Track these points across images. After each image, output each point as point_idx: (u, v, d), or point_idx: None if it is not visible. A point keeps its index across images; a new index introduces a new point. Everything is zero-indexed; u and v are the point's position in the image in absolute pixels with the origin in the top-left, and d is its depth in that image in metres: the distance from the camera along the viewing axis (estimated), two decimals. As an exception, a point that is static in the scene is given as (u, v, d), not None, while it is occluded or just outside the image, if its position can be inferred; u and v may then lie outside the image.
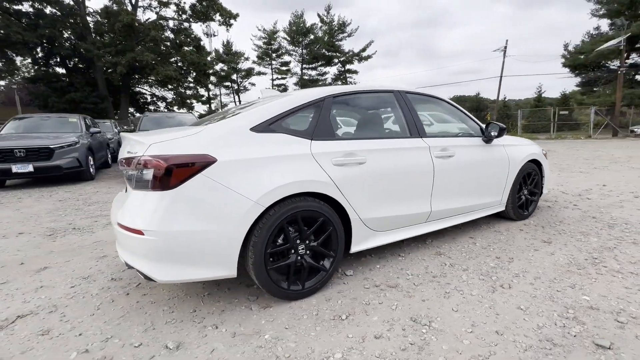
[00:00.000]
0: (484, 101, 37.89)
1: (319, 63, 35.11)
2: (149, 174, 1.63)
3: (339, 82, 35.16)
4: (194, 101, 31.68)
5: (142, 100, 28.65)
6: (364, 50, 32.81)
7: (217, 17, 24.72)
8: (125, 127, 17.35)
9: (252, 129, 1.88)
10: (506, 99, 35.82)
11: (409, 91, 2.63)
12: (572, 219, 3.43)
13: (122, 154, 1.95)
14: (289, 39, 34.33)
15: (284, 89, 37.29)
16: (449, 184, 2.59)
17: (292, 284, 1.93)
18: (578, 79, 28.63)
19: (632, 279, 2.12)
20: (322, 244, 2.02)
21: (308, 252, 1.97)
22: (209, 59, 31.00)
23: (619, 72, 19.10)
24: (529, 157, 3.28)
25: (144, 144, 1.69)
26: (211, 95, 38.63)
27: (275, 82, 37.38)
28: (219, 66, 35.54)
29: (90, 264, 2.64)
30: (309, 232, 1.95)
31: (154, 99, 28.84)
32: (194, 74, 26.24)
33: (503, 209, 3.20)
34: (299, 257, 1.94)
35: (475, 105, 35.21)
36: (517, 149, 3.20)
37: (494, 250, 2.64)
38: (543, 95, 32.76)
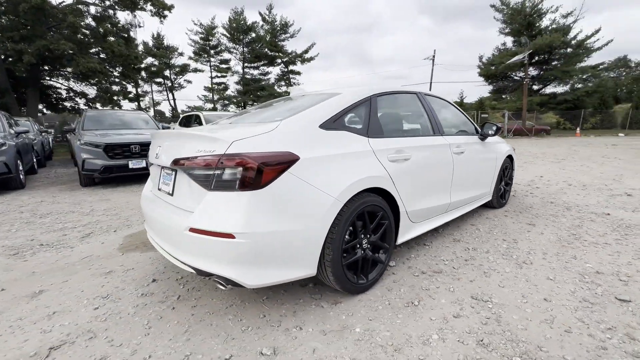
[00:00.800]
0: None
1: (262, 62, 34.48)
2: (236, 173, 1.52)
3: (283, 83, 35.02)
4: (120, 98, 28.39)
5: (55, 96, 24.62)
6: (306, 52, 33.21)
7: (149, 6, 22.56)
8: (41, 126, 14.81)
9: (320, 126, 1.87)
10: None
11: (426, 93, 2.87)
12: (536, 205, 4.07)
13: (178, 152, 1.77)
14: (228, 36, 32.99)
15: (224, 87, 35.69)
16: (462, 177, 2.89)
17: (359, 278, 1.98)
18: (490, 87, 33.24)
19: (609, 247, 2.65)
20: (380, 238, 2.10)
21: (369, 245, 2.04)
22: (138, 51, 28.15)
23: (524, 82, 22.73)
24: (507, 152, 3.81)
25: (223, 141, 1.56)
26: (140, 92, 35.11)
27: (215, 80, 35.60)
28: (148, 60, 32.46)
29: (97, 281, 2.29)
30: (372, 227, 2.02)
31: (71, 94, 25.01)
32: (121, 67, 23.51)
33: (490, 198, 3.66)
34: (363, 251, 1.99)
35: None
36: (500, 146, 3.70)
37: (498, 234, 3.02)
38: (465, 100, 37.30)
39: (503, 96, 32.44)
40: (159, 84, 36.16)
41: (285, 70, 34.81)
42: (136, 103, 34.27)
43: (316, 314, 1.82)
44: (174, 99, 37.34)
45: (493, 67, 29.80)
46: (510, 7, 28.39)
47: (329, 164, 1.78)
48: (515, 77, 30.84)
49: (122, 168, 5.87)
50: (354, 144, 1.97)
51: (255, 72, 35.40)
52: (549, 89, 30.48)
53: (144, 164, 6.02)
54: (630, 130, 25.35)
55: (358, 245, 1.97)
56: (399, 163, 2.18)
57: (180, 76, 36.24)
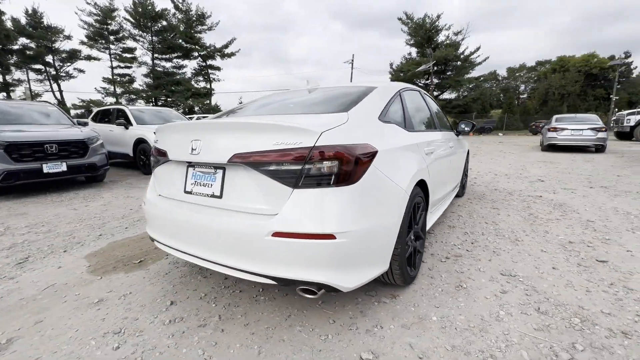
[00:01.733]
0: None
1: (175, 55, 31.36)
2: (333, 166, 1.38)
3: (201, 78, 32.56)
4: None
5: None
6: (226, 46, 31.57)
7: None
8: None
9: (379, 119, 1.83)
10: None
11: (424, 91, 3.07)
12: (487, 192, 4.75)
13: (241, 146, 1.49)
14: (133, 21, 29.01)
15: (129, 79, 31.30)
16: (450, 170, 3.18)
17: (411, 269, 2.01)
18: (400, 92, 37.07)
19: (561, 222, 3.28)
20: (420, 228, 2.17)
21: (414, 236, 2.09)
22: (9, 28, 22.62)
23: (430, 88, 26.05)
24: (468, 147, 4.34)
25: (312, 132, 1.39)
26: (12, 80, 28.20)
27: (118, 72, 30.89)
28: (23, 41, 26.32)
29: (90, 314, 1.79)
30: (418, 218, 2.07)
31: None
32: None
33: (459, 189, 4.12)
34: (412, 242, 2.03)
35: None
36: (464, 142, 4.18)
37: (478, 218, 3.43)
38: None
39: (411, 100, 36.50)
40: (38, 71, 29.57)
41: (204, 64, 32.43)
42: (4, 93, 27.38)
43: (386, 311, 1.78)
44: (60, 91, 31.05)
45: (402, 74, 33.38)
46: (414, 21, 32.21)
47: (396, 157, 1.77)
48: (420, 84, 35.14)
49: (34, 173, 4.65)
50: (404, 137, 1.99)
51: (168, 64, 32.04)
52: (446, 95, 35.67)
53: (64, 168, 4.89)
54: (507, 131, 31.54)
55: (411, 236, 2.00)
56: (429, 156, 2.29)
57: (69, 64, 30.35)
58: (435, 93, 34.91)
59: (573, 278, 2.11)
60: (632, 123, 14.77)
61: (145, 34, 29.99)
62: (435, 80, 30.67)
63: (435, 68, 32.15)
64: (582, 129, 10.37)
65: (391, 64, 35.63)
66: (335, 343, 1.53)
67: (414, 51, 34.40)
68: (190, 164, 1.77)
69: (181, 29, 29.58)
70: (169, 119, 7.81)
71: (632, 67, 43.67)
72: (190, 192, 1.75)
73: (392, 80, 34.99)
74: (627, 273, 2.17)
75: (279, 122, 1.49)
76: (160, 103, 29.67)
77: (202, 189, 1.70)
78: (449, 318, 1.70)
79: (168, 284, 2.14)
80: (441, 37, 32.54)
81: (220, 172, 1.63)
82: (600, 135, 10.10)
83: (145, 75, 31.18)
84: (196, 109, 30.10)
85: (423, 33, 31.65)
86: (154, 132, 2.09)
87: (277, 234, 1.38)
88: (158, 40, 30.17)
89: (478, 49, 32.17)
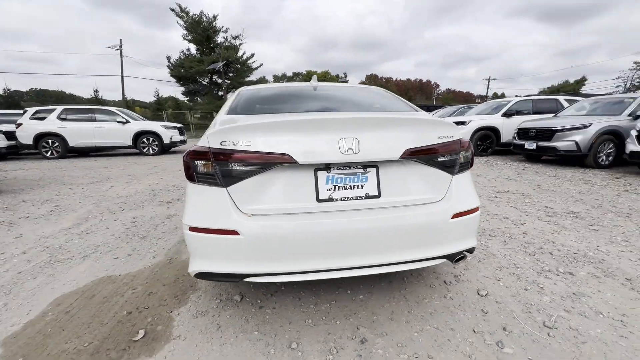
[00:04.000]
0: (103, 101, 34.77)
1: None
2: (468, 155, 1.77)
3: None
4: None
5: None
6: None
7: None
8: None
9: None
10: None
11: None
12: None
13: (411, 142, 1.54)
14: None
15: None
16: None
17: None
18: (183, 88, 34.87)
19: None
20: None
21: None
22: None
23: (223, 88, 26.30)
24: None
25: (456, 128, 1.72)
26: None
27: None
28: None
29: None
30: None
31: None
32: None
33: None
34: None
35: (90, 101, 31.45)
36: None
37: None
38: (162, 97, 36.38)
39: (196, 98, 35.25)
40: None
41: None
42: None
43: (440, 306, 2.34)
44: None
45: (183, 70, 31.46)
46: (190, 16, 30.96)
47: None
48: (204, 82, 34.60)
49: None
50: None
51: None
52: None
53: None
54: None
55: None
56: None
57: None
58: (220, 93, 35.60)
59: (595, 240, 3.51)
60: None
61: None
62: (227, 81, 31.23)
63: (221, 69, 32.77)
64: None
65: (168, 58, 32.63)
66: (428, 338, 1.95)
67: (193, 47, 33.18)
68: (320, 167, 1.54)
69: None
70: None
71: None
72: (329, 199, 1.54)
73: (172, 75, 32.27)
74: (483, 207, 3.83)
75: (440, 119, 1.69)
76: None
77: (350, 192, 1.56)
78: (505, 309, 2.51)
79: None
80: (220, 39, 33.32)
81: (372, 170, 1.59)
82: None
83: None
84: None
85: (202, 31, 31.11)
86: (218, 131, 1.52)
87: (455, 216, 1.63)
88: None
89: (253, 55, 35.58)
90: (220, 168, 1.51)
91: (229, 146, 1.50)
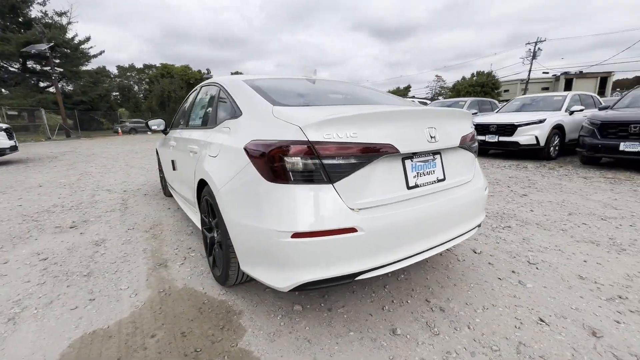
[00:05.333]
0: None
1: None
2: (477, 142, 2.20)
3: None
4: None
5: None
6: None
7: None
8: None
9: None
10: None
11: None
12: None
13: (462, 130, 1.81)
14: None
15: None
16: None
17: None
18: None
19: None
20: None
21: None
22: None
23: (53, 78, 20.07)
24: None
25: (472, 118, 2.11)
26: None
27: None
28: None
29: None
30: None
31: None
32: None
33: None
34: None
35: None
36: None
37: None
38: None
39: (3, 90, 25.72)
40: None
41: None
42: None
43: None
44: None
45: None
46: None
47: None
48: (12, 68, 25.66)
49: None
50: None
51: None
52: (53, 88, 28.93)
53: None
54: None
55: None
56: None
57: None
58: (42, 84, 27.34)
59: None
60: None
61: None
62: (59, 69, 23.94)
63: (34, 51, 24.80)
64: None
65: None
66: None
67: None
68: (407, 156, 1.63)
69: None
70: None
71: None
72: (415, 186, 1.65)
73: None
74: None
75: (468, 112, 2.01)
76: None
77: (427, 177, 1.72)
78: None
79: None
80: (34, 12, 25.40)
81: (437, 156, 1.79)
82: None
83: None
84: None
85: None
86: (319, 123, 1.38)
87: (485, 190, 2.03)
88: None
89: (88, 39, 28.79)
90: (326, 163, 1.38)
91: (334, 139, 1.39)
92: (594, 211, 3.38)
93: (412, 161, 1.65)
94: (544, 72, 38.18)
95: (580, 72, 36.71)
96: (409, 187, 1.61)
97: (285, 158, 1.38)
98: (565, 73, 37.43)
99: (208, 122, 2.43)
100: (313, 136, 1.38)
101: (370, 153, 1.46)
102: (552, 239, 2.71)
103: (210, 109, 2.50)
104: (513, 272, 2.18)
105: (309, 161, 1.38)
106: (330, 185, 1.40)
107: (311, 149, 1.37)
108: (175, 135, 3.26)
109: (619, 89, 34.20)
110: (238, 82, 2.15)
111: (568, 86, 36.45)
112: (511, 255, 2.43)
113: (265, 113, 1.67)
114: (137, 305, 1.88)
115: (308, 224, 1.36)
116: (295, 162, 1.38)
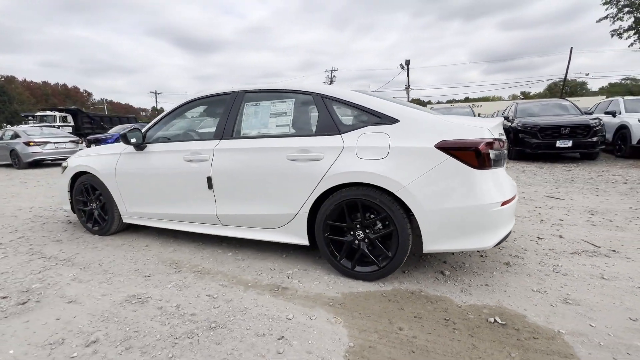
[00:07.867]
0: None
1: None
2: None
3: None
4: None
5: None
6: None
7: None
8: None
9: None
10: None
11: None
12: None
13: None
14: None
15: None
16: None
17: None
18: None
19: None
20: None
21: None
22: None
23: None
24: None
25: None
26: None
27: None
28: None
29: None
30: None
31: None
32: None
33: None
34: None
35: None
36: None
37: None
38: None
39: None
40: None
41: None
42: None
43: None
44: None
45: None
46: None
47: None
48: None
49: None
50: None
51: None
52: None
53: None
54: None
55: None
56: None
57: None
58: None
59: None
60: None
61: None
62: None
63: None
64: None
65: None
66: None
67: None
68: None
69: None
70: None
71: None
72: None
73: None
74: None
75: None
76: None
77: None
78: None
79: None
80: None
81: None
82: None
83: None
84: None
85: None
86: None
87: None
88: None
89: None
90: (501, 152, 1.99)
91: (500, 137, 2.07)
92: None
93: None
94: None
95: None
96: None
97: (491, 150, 1.86)
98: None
99: (323, 129, 2.33)
100: (495, 135, 1.96)
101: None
102: None
103: (322, 117, 2.41)
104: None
105: (498, 151, 1.93)
106: (504, 167, 2.06)
107: (498, 143, 1.94)
108: (217, 147, 2.68)
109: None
110: (359, 94, 2.38)
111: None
112: (535, 236, 3.07)
113: (432, 119, 2.03)
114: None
115: (508, 194, 1.91)
116: (493, 152, 1.88)
